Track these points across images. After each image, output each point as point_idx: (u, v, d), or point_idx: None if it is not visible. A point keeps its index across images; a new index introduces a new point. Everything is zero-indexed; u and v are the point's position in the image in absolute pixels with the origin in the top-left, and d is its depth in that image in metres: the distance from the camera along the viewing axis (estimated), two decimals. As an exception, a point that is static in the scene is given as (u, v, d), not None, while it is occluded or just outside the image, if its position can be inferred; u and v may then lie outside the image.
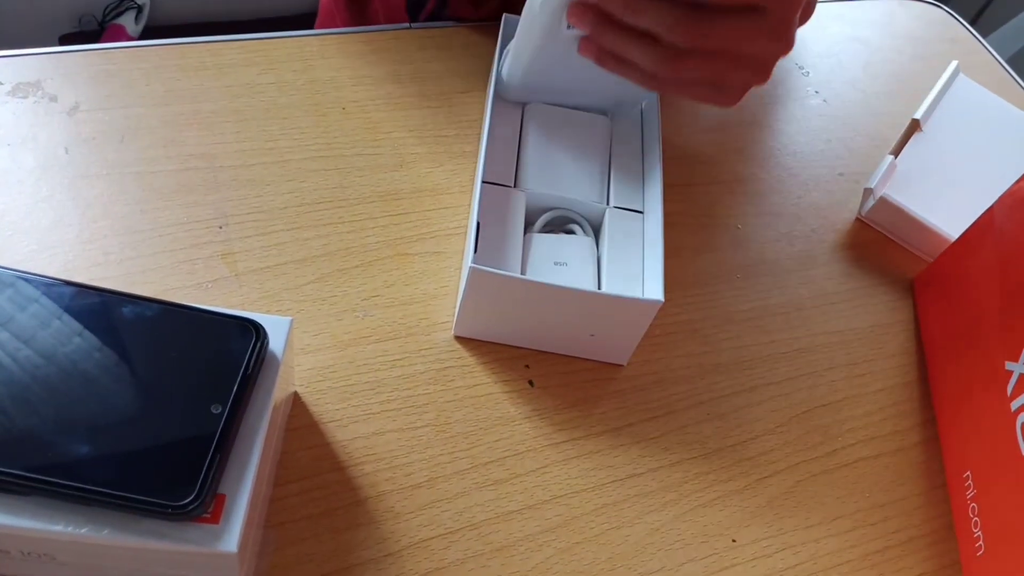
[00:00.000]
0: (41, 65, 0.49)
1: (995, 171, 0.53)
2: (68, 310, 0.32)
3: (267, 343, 0.33)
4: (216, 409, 0.31)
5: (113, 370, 0.31)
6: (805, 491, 0.42)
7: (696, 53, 0.39)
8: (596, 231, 0.46)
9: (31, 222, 0.42)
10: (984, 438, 0.41)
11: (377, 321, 0.43)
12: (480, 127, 0.51)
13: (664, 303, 0.39)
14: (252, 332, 0.33)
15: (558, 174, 0.47)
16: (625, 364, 0.44)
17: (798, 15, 0.39)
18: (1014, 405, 0.39)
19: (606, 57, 0.41)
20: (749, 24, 0.38)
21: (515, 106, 0.49)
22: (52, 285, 0.32)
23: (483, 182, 0.44)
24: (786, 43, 0.40)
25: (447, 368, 0.42)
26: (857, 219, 0.54)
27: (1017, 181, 0.45)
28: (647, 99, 0.50)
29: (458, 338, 0.43)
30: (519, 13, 0.44)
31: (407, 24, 0.57)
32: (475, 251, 0.41)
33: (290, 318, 0.34)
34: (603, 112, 0.50)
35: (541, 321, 0.42)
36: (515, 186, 0.46)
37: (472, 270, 0.39)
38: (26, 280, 0.32)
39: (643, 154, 0.49)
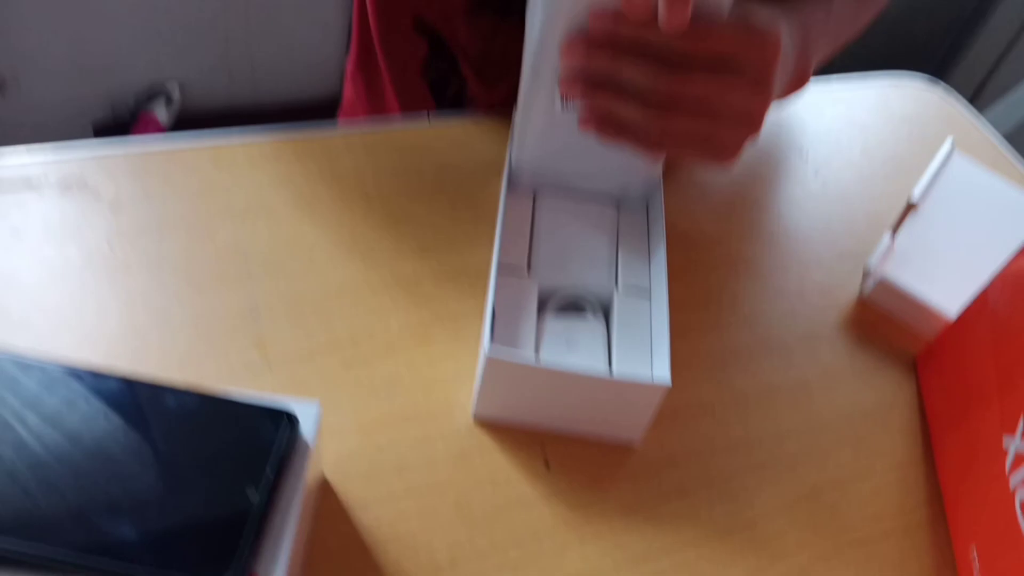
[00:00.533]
0: (86, 162, 0.53)
1: (991, 248, 0.55)
2: (113, 401, 0.34)
3: (298, 429, 0.35)
4: (251, 492, 0.33)
5: (154, 455, 0.33)
6: (816, 572, 0.43)
7: (681, 106, 0.41)
8: (606, 313, 0.48)
9: (76, 314, 0.45)
10: (986, 514, 0.42)
11: (400, 404, 0.45)
12: (496, 213, 0.54)
13: (672, 384, 0.41)
14: (284, 419, 0.35)
15: (569, 260, 0.49)
16: (638, 444, 0.46)
17: (776, 68, 0.42)
18: (1012, 481, 0.41)
19: (604, 125, 0.44)
20: (728, 76, 0.41)
21: (528, 194, 0.52)
22: (100, 377, 0.35)
23: (498, 269, 0.46)
24: (766, 95, 0.42)
25: (467, 450, 0.44)
26: (859, 298, 0.56)
27: (1008, 262, 0.47)
28: (652, 183, 0.53)
29: (477, 420, 0.45)
30: None
31: (427, 119, 0.60)
32: (491, 338, 0.43)
33: (318, 403, 0.36)
34: (611, 198, 0.53)
35: (555, 403, 0.44)
36: (528, 272, 0.48)
37: (489, 357, 0.41)
38: (76, 376, 0.35)
39: (648, 237, 0.51)
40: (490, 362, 0.41)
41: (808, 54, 0.48)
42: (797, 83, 0.49)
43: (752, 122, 0.43)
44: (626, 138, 0.44)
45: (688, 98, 0.41)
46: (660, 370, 0.44)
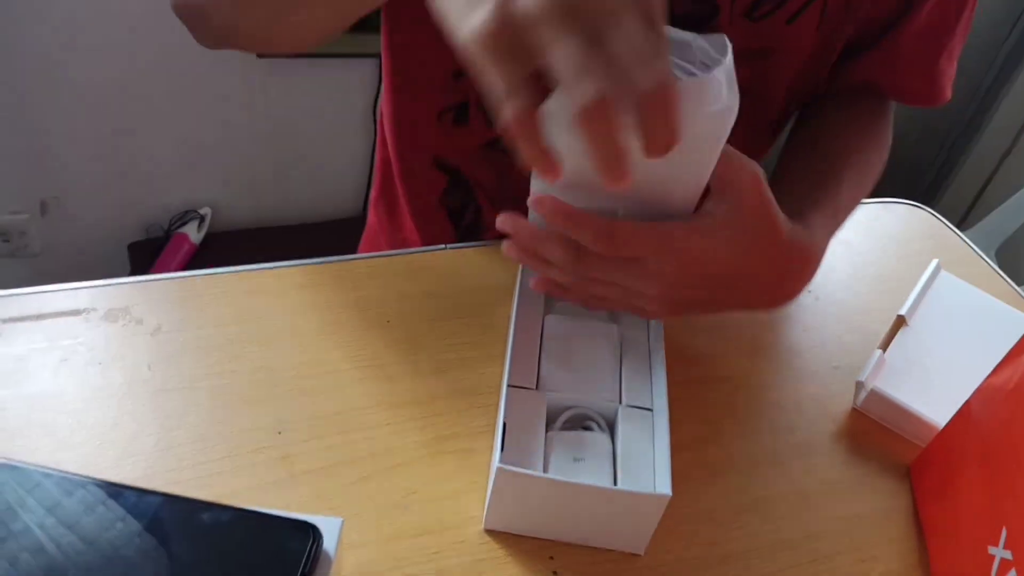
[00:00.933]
0: (129, 292, 0.58)
1: (977, 360, 0.58)
2: (148, 516, 0.38)
3: (322, 543, 0.38)
4: (277, 602, 0.36)
5: (188, 568, 0.36)
6: (818, 677, 0.44)
7: (596, 281, 0.49)
8: (611, 427, 0.51)
9: (117, 433, 0.49)
10: (982, 621, 0.44)
11: (416, 516, 0.47)
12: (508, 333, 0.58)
13: (674, 494, 0.44)
14: (309, 534, 0.38)
15: (575, 377, 0.53)
16: (643, 553, 0.48)
17: (688, 266, 0.48)
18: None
19: (546, 285, 0.52)
20: (633, 266, 0.48)
21: (537, 314, 0.56)
22: (138, 494, 0.38)
23: (508, 386, 0.50)
24: (663, 286, 0.49)
25: (479, 561, 0.46)
26: (853, 409, 0.59)
27: (989, 375, 0.50)
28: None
29: (488, 531, 0.47)
30: None
31: (443, 246, 0.65)
32: (502, 451, 0.46)
33: (341, 520, 0.39)
34: (614, 314, 0.57)
35: (563, 513, 0.46)
36: (537, 388, 0.52)
37: (499, 470, 0.44)
38: (115, 494, 0.38)
39: (649, 354, 0.55)
40: (500, 474, 0.44)
41: (815, 256, 0.53)
42: (801, 276, 0.53)
43: (654, 307, 0.51)
44: (565, 296, 0.53)
45: (598, 280, 0.49)
46: (661, 482, 0.46)
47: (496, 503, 0.46)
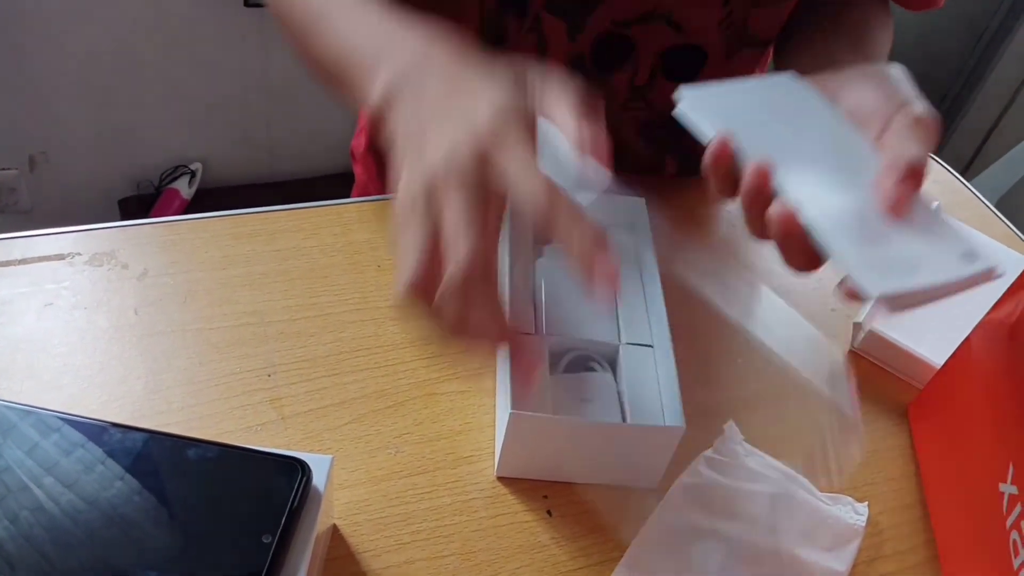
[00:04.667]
0: (115, 237, 0.57)
1: (976, 300, 0.57)
2: (134, 454, 0.37)
3: (311, 479, 0.38)
4: (266, 539, 0.35)
5: (173, 505, 0.36)
6: (813, 612, 0.44)
7: None
8: (612, 365, 0.50)
9: (104, 376, 0.48)
10: (979, 555, 0.43)
11: (408, 457, 0.47)
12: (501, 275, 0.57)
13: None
14: (298, 470, 0.37)
15: (572, 317, 0.52)
16: (656, 487, 0.47)
17: None
18: (1008, 522, 0.42)
19: None
20: None
21: (528, 258, 0.55)
22: (123, 431, 0.38)
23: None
24: None
25: (472, 500, 0.45)
26: (851, 351, 0.58)
27: (989, 310, 0.49)
28: (643, 236, 0.56)
29: (482, 471, 0.47)
30: None
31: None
32: (512, 397, 0.44)
33: (331, 457, 0.39)
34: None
35: (578, 454, 0.46)
36: (536, 332, 0.51)
37: (512, 415, 0.43)
38: (99, 430, 0.37)
39: (644, 289, 0.54)
40: (513, 419, 0.43)
41: None
42: None
43: None
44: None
45: None
46: (673, 415, 0.46)
47: (509, 450, 0.45)
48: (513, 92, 0.37)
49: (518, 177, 0.35)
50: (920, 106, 0.42)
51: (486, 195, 0.35)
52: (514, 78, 0.38)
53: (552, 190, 0.34)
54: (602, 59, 0.60)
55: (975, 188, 0.77)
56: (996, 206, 0.76)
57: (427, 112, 0.38)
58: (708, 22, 0.58)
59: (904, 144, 0.40)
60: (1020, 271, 0.47)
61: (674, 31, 0.59)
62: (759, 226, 0.40)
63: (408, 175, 0.37)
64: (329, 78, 0.47)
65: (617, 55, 0.60)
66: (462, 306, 0.35)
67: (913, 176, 0.39)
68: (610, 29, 0.58)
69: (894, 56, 0.66)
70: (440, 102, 0.38)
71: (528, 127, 0.36)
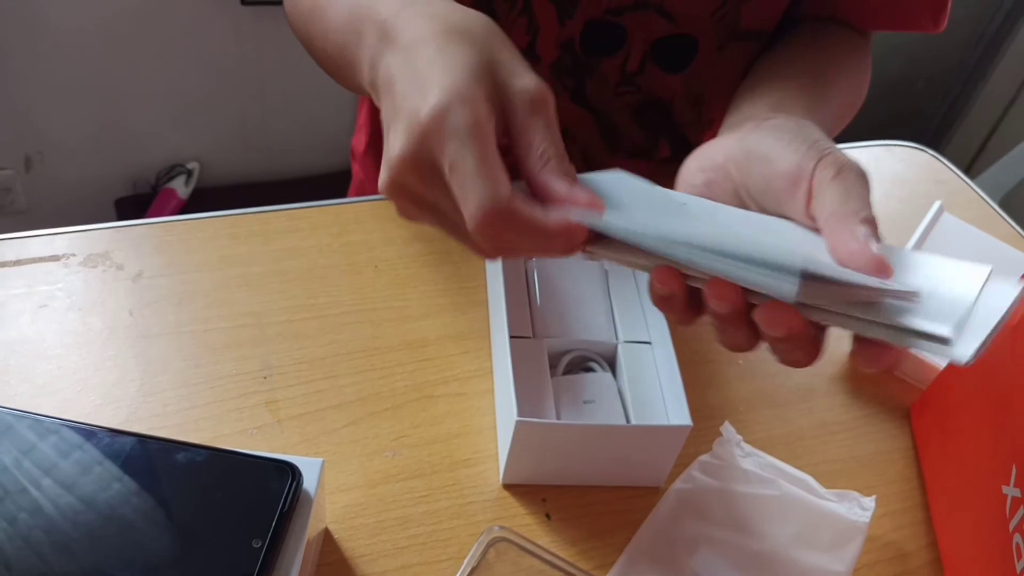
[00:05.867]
0: (110, 237, 0.56)
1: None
2: (126, 458, 0.37)
3: (302, 483, 0.37)
4: (256, 543, 0.35)
5: (164, 510, 0.35)
6: (815, 617, 0.43)
7: None
8: (611, 364, 0.50)
9: (98, 378, 0.48)
10: (982, 558, 0.43)
11: (405, 460, 0.46)
12: (493, 278, 0.56)
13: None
14: (289, 473, 0.37)
15: (569, 319, 0.51)
16: (662, 486, 0.47)
17: None
18: (1011, 525, 0.42)
19: None
20: None
21: (520, 260, 0.54)
22: (115, 436, 0.37)
23: (509, 336, 0.47)
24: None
25: (469, 503, 0.45)
26: (852, 351, 0.58)
27: (993, 314, 0.49)
28: None
29: (481, 474, 0.46)
30: None
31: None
32: (517, 404, 0.43)
33: (321, 460, 0.38)
34: None
35: (584, 457, 0.45)
36: (534, 336, 0.50)
37: (518, 424, 0.42)
38: (92, 436, 0.37)
39: (637, 286, 0.53)
40: (520, 428, 0.42)
41: None
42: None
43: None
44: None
45: None
46: (678, 413, 0.45)
47: (515, 458, 0.45)
48: (468, 80, 0.33)
49: (461, 191, 0.32)
50: (840, 154, 0.38)
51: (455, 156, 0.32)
52: (480, 64, 0.34)
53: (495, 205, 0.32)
54: (593, 45, 0.60)
55: (978, 187, 0.76)
56: (999, 205, 0.75)
57: (390, 101, 0.35)
58: (700, 12, 0.58)
59: (845, 203, 0.36)
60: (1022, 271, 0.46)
61: (666, 20, 0.58)
62: (743, 337, 0.35)
63: (383, 168, 0.35)
64: (335, 65, 0.46)
65: (608, 42, 0.59)
66: (499, 243, 0.33)
67: (874, 231, 0.35)
68: (602, 16, 0.58)
69: (898, 56, 0.65)
70: (400, 86, 0.34)
71: (476, 122, 0.32)
